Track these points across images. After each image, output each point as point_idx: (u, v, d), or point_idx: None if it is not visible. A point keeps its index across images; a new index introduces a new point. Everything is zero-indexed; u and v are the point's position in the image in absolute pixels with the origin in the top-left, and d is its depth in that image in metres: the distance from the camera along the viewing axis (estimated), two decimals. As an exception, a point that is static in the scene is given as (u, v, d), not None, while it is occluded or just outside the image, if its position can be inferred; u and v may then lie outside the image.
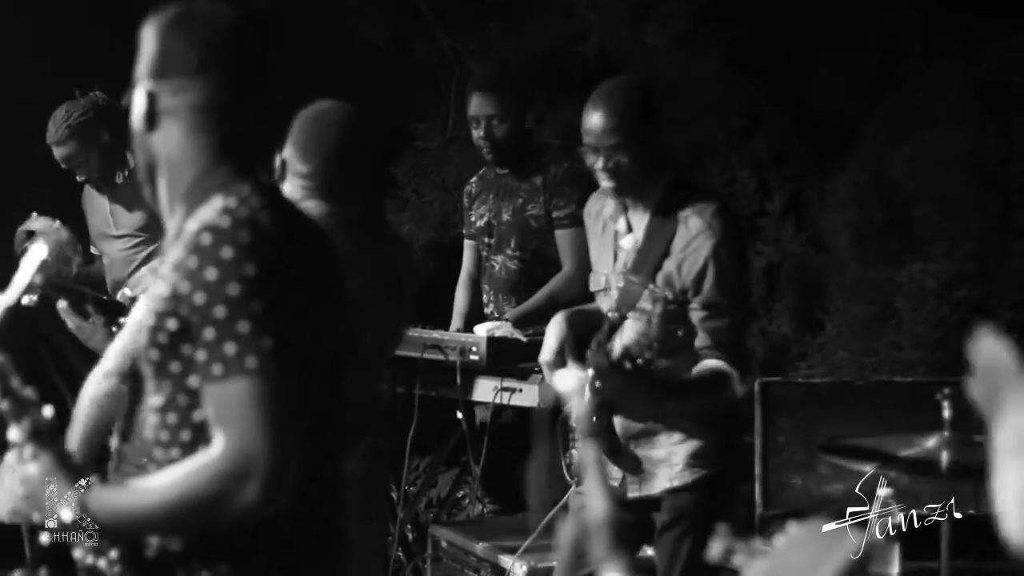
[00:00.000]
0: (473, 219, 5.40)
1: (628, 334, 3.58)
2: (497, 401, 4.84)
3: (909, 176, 6.43)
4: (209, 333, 2.19)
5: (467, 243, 5.51)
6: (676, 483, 3.70)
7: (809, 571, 1.62)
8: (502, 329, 4.93)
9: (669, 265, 3.61)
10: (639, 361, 3.38)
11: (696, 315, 3.61)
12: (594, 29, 7.16)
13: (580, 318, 3.82)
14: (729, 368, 3.60)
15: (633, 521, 3.74)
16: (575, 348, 3.71)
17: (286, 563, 2.35)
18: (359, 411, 2.83)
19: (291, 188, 3.45)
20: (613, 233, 3.79)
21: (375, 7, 7.42)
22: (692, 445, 3.69)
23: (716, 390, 3.63)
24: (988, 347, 1.51)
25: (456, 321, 5.42)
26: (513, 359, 4.80)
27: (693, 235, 3.59)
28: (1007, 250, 6.19)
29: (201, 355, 2.21)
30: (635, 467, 3.74)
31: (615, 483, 3.75)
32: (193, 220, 2.27)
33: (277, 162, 3.55)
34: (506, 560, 4.36)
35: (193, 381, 2.25)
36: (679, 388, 3.67)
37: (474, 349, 4.79)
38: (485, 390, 4.87)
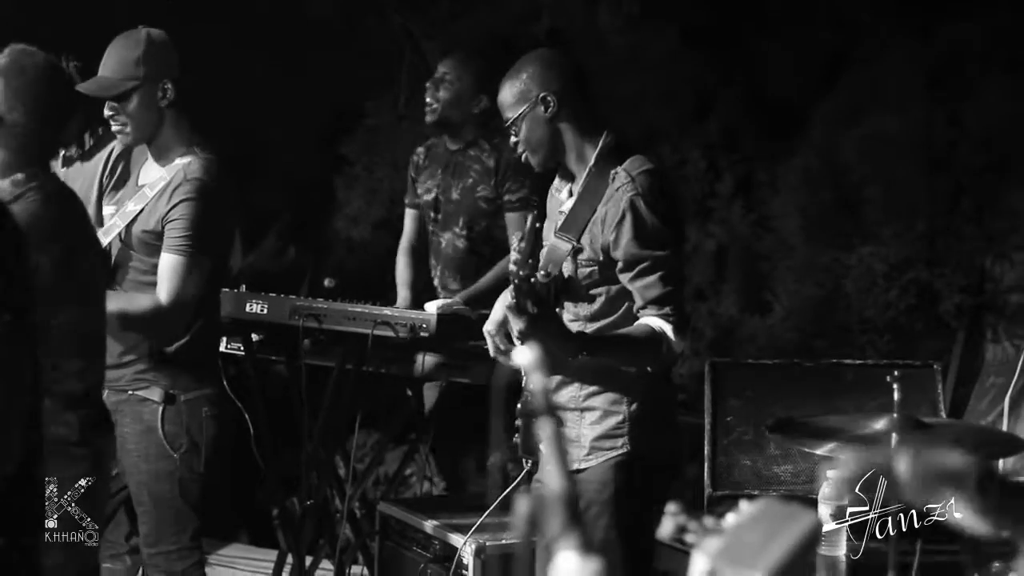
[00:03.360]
0: (419, 191, 5.37)
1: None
2: (446, 379, 4.83)
3: (859, 159, 6.47)
4: None
5: (409, 212, 5.47)
6: (575, 466, 3.57)
7: (761, 549, 1.63)
8: (452, 307, 4.91)
9: (594, 221, 3.54)
10: (539, 303, 3.26)
11: (624, 277, 3.50)
12: (546, 9, 7.15)
13: None
14: (662, 324, 3.44)
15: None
16: None
17: (8, 529, 2.42)
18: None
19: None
20: (558, 203, 3.76)
21: (326, -17, 7.39)
22: (600, 428, 3.58)
23: (644, 346, 3.47)
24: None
25: (402, 292, 5.38)
26: (463, 337, 4.78)
27: (616, 189, 3.50)
28: (957, 234, 6.23)
29: None
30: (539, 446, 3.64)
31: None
32: None
33: None
34: (455, 538, 4.35)
35: None
36: (599, 340, 3.52)
37: (424, 326, 4.76)
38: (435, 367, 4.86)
